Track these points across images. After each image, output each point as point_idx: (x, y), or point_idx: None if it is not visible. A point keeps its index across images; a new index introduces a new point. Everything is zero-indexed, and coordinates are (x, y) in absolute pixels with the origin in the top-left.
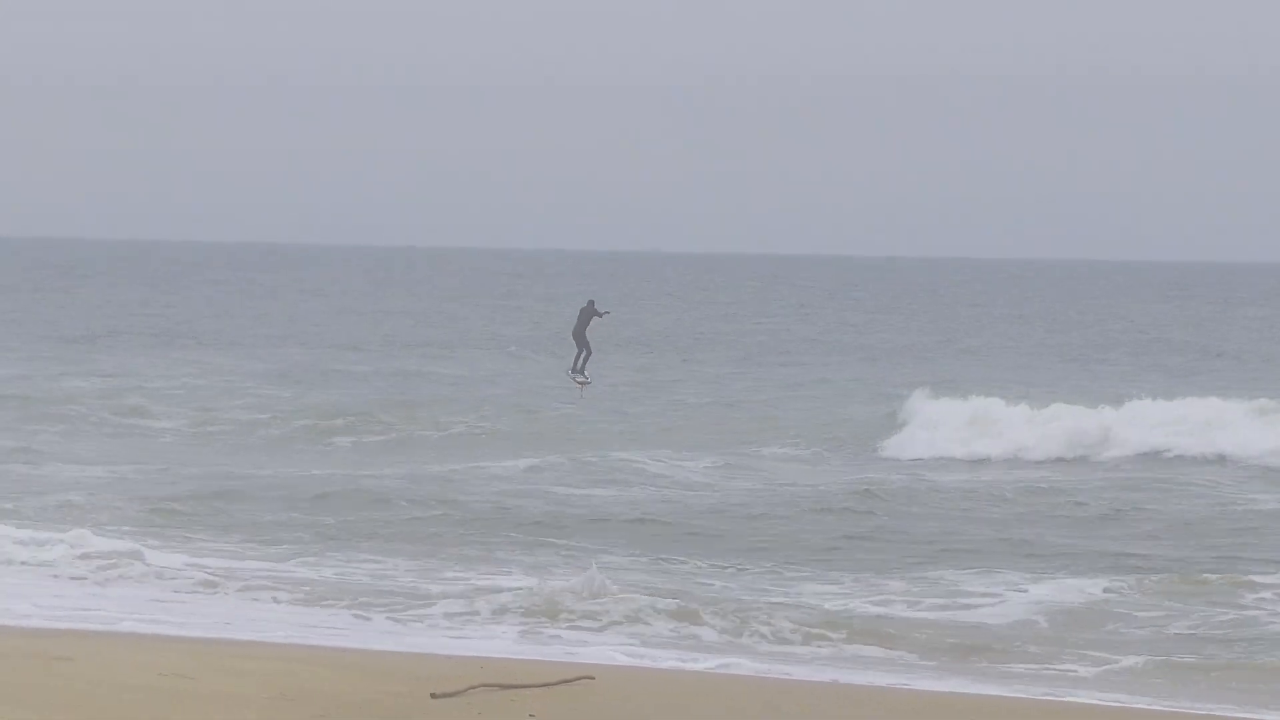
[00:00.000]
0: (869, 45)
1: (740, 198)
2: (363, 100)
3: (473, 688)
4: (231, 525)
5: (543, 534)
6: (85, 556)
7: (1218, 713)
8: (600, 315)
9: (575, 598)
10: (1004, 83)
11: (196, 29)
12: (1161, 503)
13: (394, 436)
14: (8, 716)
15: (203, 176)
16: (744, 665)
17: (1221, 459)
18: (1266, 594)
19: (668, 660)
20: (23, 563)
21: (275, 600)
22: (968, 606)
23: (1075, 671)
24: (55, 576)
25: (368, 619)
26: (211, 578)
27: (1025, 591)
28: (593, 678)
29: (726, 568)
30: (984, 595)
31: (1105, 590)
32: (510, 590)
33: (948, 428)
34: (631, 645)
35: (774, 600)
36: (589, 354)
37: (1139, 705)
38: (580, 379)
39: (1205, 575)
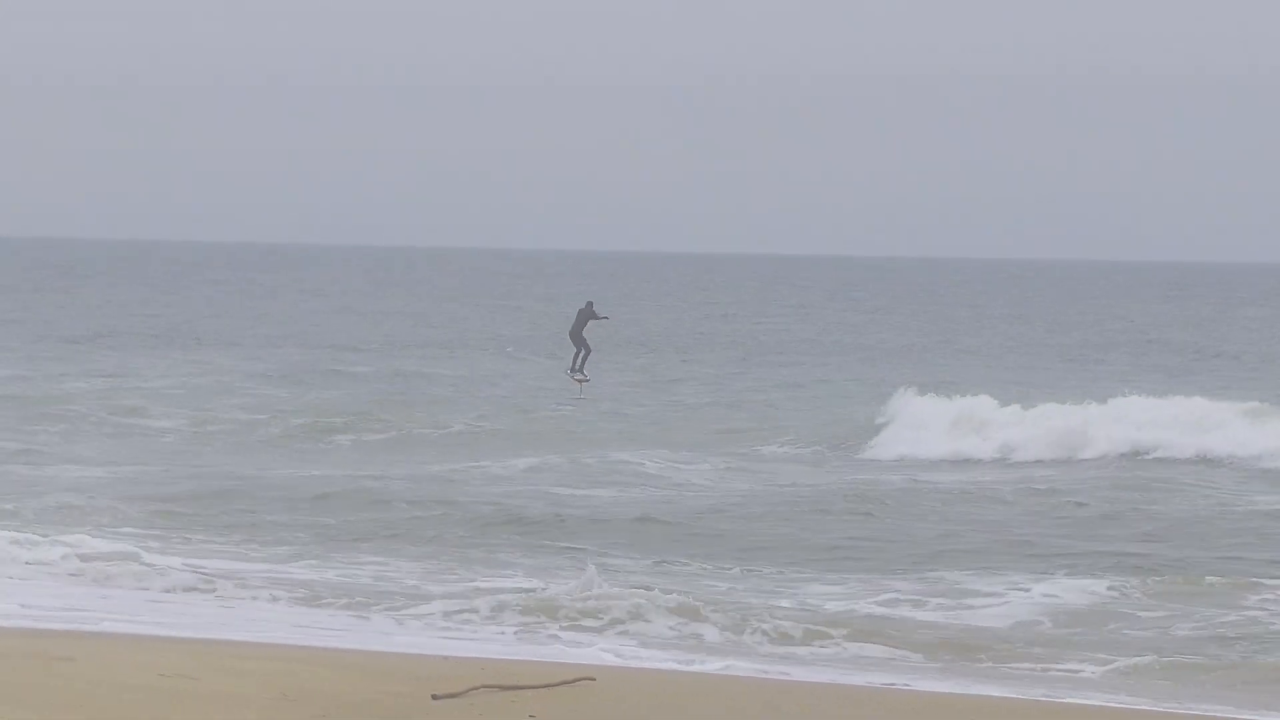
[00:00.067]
0: (869, 45)
1: (740, 198)
2: (363, 100)
3: (473, 689)
4: (231, 525)
5: (543, 534)
6: (85, 557)
7: (1220, 714)
8: (599, 318)
9: (575, 598)
10: (1004, 83)
11: (196, 29)
12: (1161, 503)
13: (394, 436)
14: (8, 716)
15: (203, 176)
16: (745, 666)
17: (1216, 461)
18: (1268, 595)
19: (668, 661)
20: (24, 563)
21: (276, 600)
22: (969, 607)
23: (1077, 672)
24: (55, 577)
25: (368, 619)
26: (212, 578)
27: (1027, 591)
28: (593, 679)
29: (727, 568)
30: (985, 595)
31: (1107, 591)
32: (511, 591)
33: (935, 427)
34: (632, 646)
35: (775, 600)
36: (588, 353)
37: (1141, 706)
38: (579, 377)
39: (1207, 576)
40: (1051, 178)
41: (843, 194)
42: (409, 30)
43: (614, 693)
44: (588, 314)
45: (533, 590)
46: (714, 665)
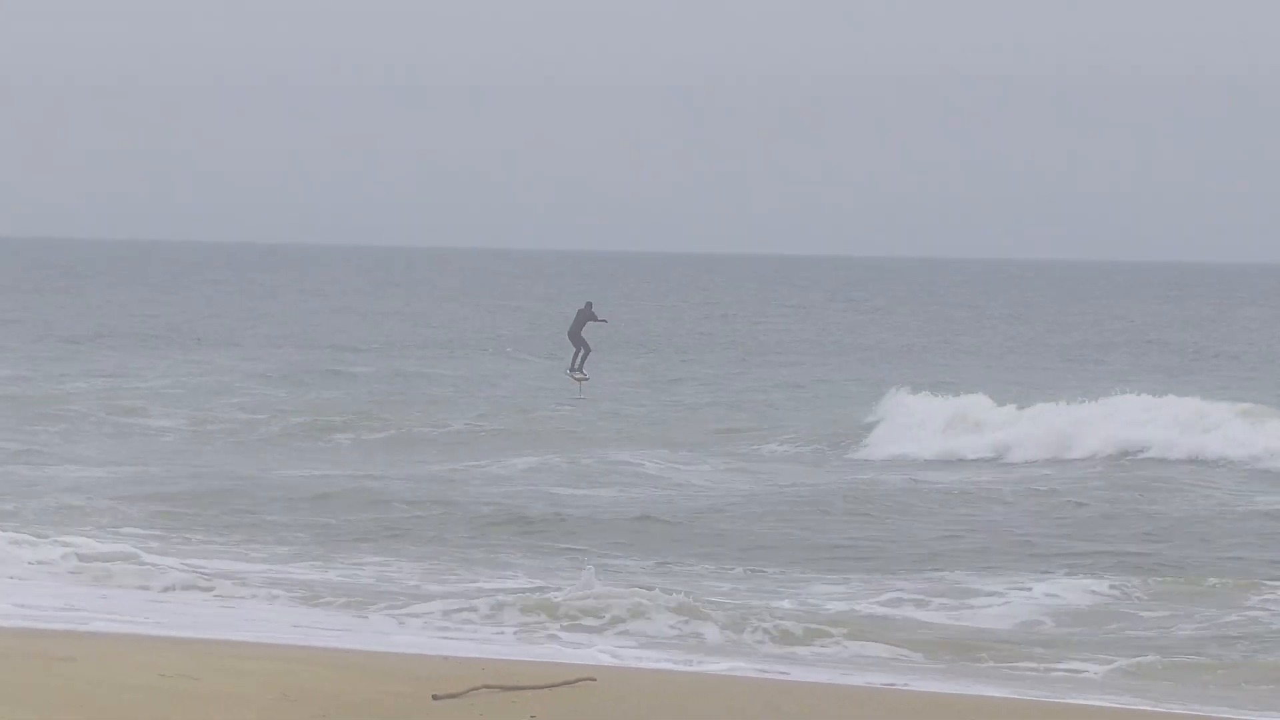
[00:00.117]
0: (869, 45)
1: (740, 198)
2: (363, 100)
3: (474, 689)
4: (231, 525)
5: (543, 534)
6: (85, 557)
7: (1222, 714)
8: (598, 320)
9: (575, 598)
10: (1004, 83)
11: (196, 29)
12: (1161, 503)
13: (394, 436)
14: (8, 716)
15: (203, 176)
16: (745, 666)
17: (1213, 461)
18: (1269, 595)
19: (669, 661)
20: (24, 564)
21: (275, 601)
22: (969, 607)
23: (1079, 673)
24: (55, 577)
25: (368, 619)
26: (212, 578)
27: (1027, 591)
28: (594, 679)
29: (727, 568)
30: (986, 595)
31: (1108, 591)
32: (511, 591)
33: (933, 427)
34: (632, 646)
35: (775, 600)
36: (587, 352)
37: (1143, 707)
38: (579, 376)
39: (1208, 576)
40: (1051, 178)
41: (843, 194)
42: (409, 30)
43: (614, 693)
44: (587, 314)
45: (533, 590)
46: (714, 665)
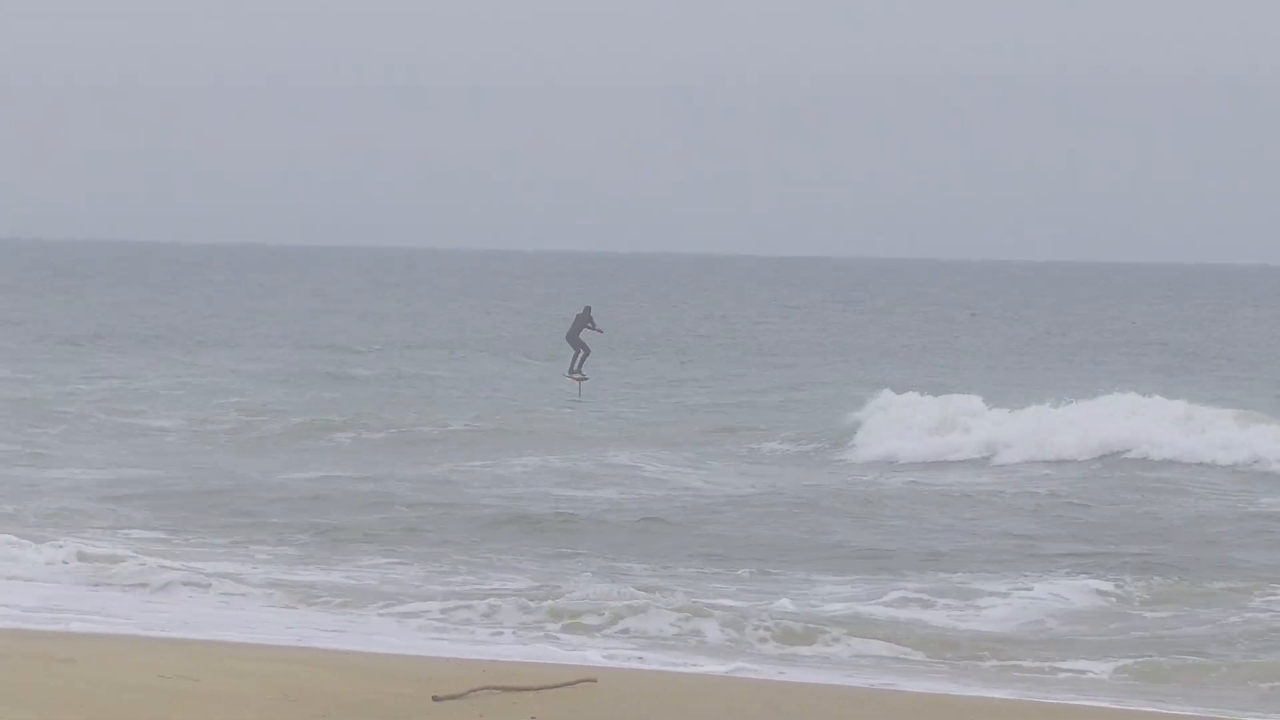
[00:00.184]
0: (869, 45)
1: (740, 198)
2: (363, 100)
3: (474, 690)
4: (231, 525)
5: (543, 535)
6: (85, 558)
7: (1223, 715)
8: (595, 329)
9: (576, 599)
10: (1004, 83)
11: (196, 29)
12: (1162, 504)
13: (394, 437)
14: (7, 717)
15: (203, 177)
16: (746, 666)
17: (1211, 462)
18: (1272, 596)
19: (669, 662)
20: (24, 564)
21: (276, 601)
22: (970, 607)
23: (1082, 673)
24: (55, 578)
25: (368, 620)
26: (212, 578)
27: (1028, 591)
28: (594, 680)
29: (727, 569)
30: (987, 595)
31: (1109, 591)
32: (511, 592)
33: (930, 427)
34: (633, 647)
35: (775, 601)
36: (586, 354)
37: (1146, 708)
38: (578, 376)
39: (1212, 577)
40: (1051, 178)
41: (843, 194)
42: (409, 30)
43: (615, 694)
44: (585, 319)
45: (533, 591)
46: (715, 666)
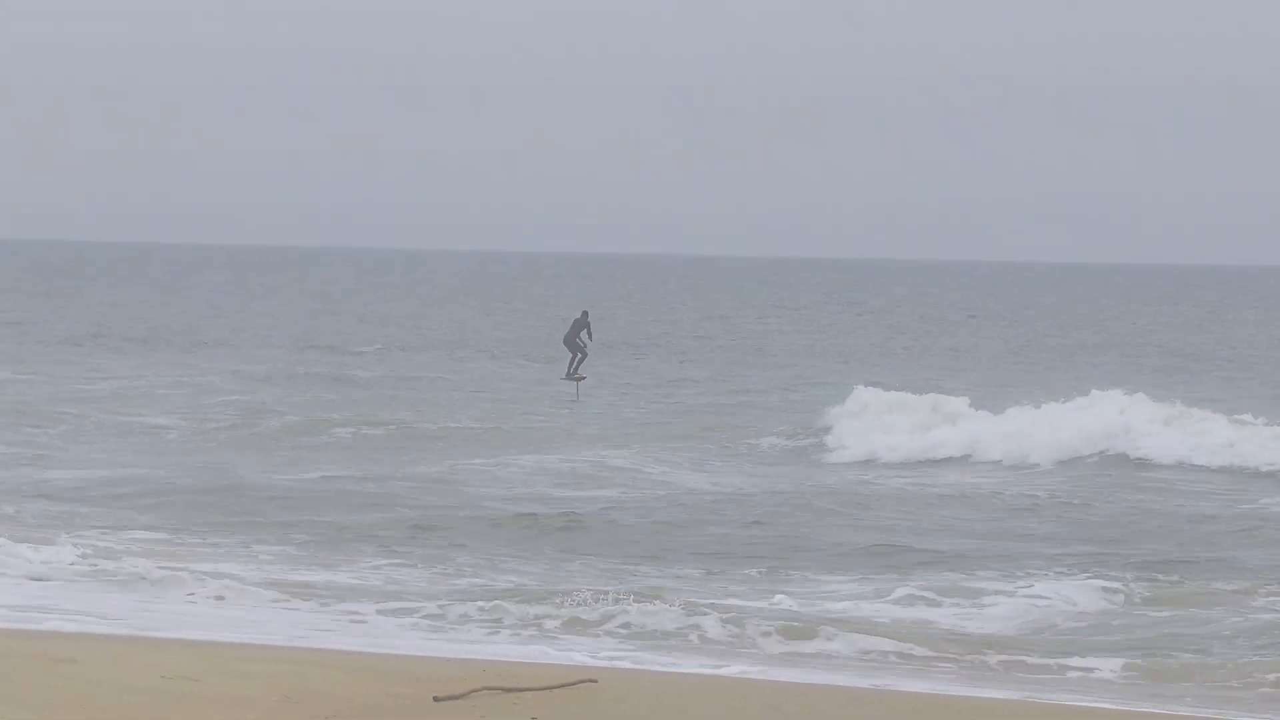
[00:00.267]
0: (869, 45)
1: (740, 198)
2: (363, 100)
3: (475, 690)
4: (232, 525)
5: (543, 535)
6: (85, 558)
7: (1225, 715)
8: (588, 338)
9: (576, 600)
10: (1004, 83)
11: (196, 29)
12: (1162, 504)
13: (394, 437)
14: (8, 717)
15: (203, 177)
16: (746, 666)
17: (1209, 464)
18: (1275, 597)
19: (669, 662)
20: (24, 565)
21: (276, 601)
22: (971, 607)
23: (1088, 671)
24: (55, 578)
25: (369, 620)
26: (214, 579)
27: (1029, 591)
28: (595, 680)
29: (728, 569)
30: (988, 595)
31: (1111, 591)
32: (511, 592)
33: (929, 427)
34: (633, 647)
35: (776, 601)
36: (584, 357)
37: (1150, 709)
38: (576, 377)
39: (1214, 576)
40: (1051, 178)
41: (843, 194)
42: (409, 30)
43: (615, 694)
44: (582, 323)
45: (534, 591)
46: (715, 666)
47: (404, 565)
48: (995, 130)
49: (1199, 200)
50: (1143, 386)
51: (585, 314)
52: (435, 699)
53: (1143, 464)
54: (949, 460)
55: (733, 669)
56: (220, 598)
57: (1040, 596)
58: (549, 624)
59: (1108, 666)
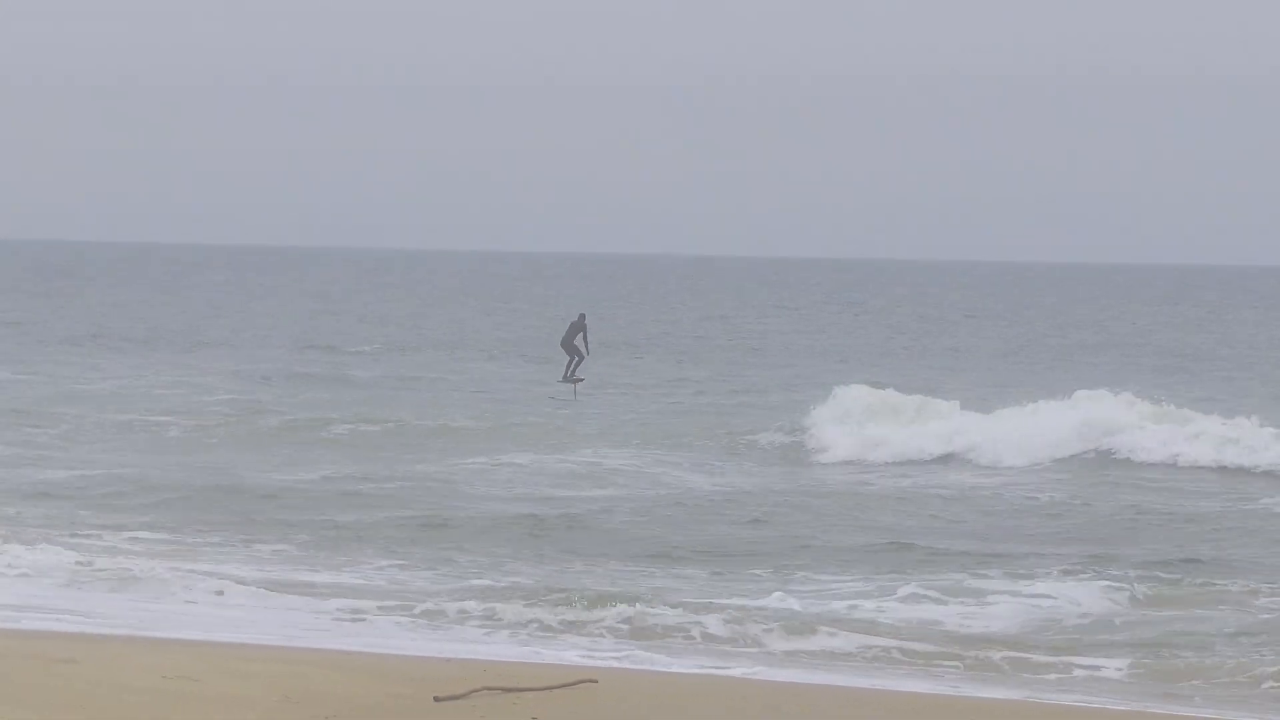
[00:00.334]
0: (869, 45)
1: (740, 198)
2: (363, 100)
3: (475, 690)
4: (232, 526)
5: (542, 535)
6: (86, 559)
7: (1226, 716)
8: (584, 345)
9: (576, 599)
10: (1004, 83)
11: (196, 29)
12: (1163, 505)
13: (393, 438)
14: (7, 717)
15: (203, 177)
16: (746, 666)
17: (1208, 465)
18: (1278, 597)
19: (669, 662)
20: (24, 565)
21: (277, 602)
22: (972, 607)
23: (1094, 670)
24: (55, 578)
25: (369, 621)
26: (213, 579)
27: (1031, 591)
28: (595, 680)
29: (728, 568)
30: (989, 595)
31: (1113, 592)
32: (511, 592)
33: (927, 428)
34: (633, 647)
35: (775, 601)
36: (581, 359)
37: (1155, 709)
38: (575, 379)
39: (1215, 575)
40: (1051, 178)
41: (843, 194)
42: (409, 30)
43: (615, 694)
44: (580, 326)
45: (534, 591)
46: (715, 666)
47: (404, 565)
48: (995, 130)
49: (1199, 200)
50: (1142, 386)
51: (582, 317)
52: (435, 699)
53: (1129, 463)
54: (939, 460)
55: (734, 669)
56: (220, 595)
57: (1044, 596)
58: (549, 624)
59: (1113, 665)
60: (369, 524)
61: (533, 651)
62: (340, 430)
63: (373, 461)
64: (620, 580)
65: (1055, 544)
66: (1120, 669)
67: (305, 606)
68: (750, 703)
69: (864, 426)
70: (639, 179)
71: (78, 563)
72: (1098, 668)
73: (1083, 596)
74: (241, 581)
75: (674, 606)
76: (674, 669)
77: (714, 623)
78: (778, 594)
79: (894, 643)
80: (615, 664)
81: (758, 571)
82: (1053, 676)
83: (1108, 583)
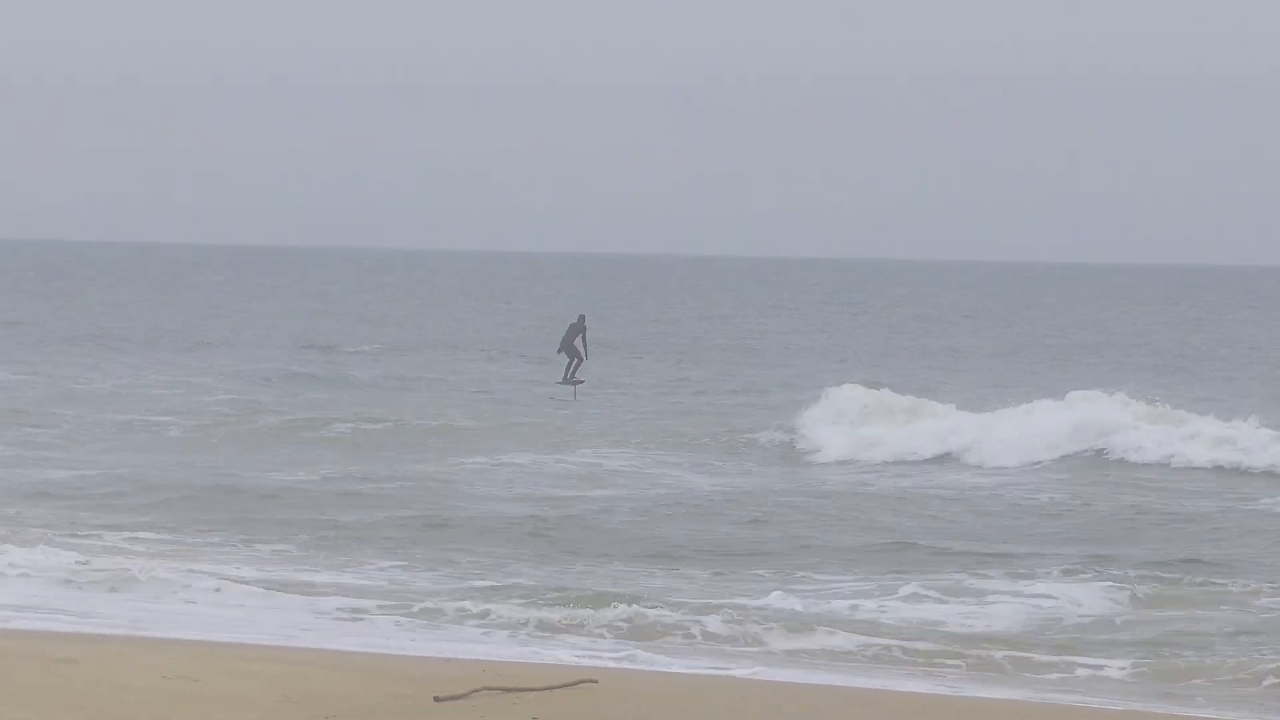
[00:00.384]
0: (869, 45)
1: (740, 198)
2: (363, 100)
3: (475, 690)
4: (231, 526)
5: (542, 535)
6: (85, 559)
7: (1227, 716)
8: (583, 345)
9: (576, 599)
10: (1004, 83)
11: (196, 29)
12: (1163, 505)
13: (392, 438)
14: (8, 717)
15: (203, 177)
16: (746, 666)
17: (1207, 465)
18: (1278, 597)
19: (669, 662)
20: (24, 565)
21: (277, 602)
22: (972, 607)
23: (1090, 672)
24: (55, 578)
25: (369, 621)
26: (213, 579)
27: (1031, 592)
28: (595, 680)
29: (729, 568)
30: (989, 595)
31: (1114, 592)
32: (511, 592)
33: (925, 428)
34: (633, 647)
35: (776, 601)
36: (580, 361)
37: (1157, 709)
38: (574, 380)
39: (1215, 575)
40: (1051, 178)
41: (843, 194)
42: (409, 30)
43: (615, 694)
44: (579, 328)
45: (534, 591)
46: (715, 666)
47: (404, 565)
48: (995, 130)
49: (1199, 200)
50: (1141, 386)
51: (582, 318)
52: (436, 699)
53: (1125, 464)
54: (935, 460)
55: (734, 669)
56: (220, 597)
57: (1045, 595)
58: (549, 624)
59: (1115, 665)
60: (369, 524)
61: (533, 651)
62: (340, 430)
63: (373, 461)
64: (620, 580)
65: (1055, 544)
66: (1122, 668)
67: (305, 606)
68: (750, 703)
69: (858, 427)
70: (639, 179)
71: (77, 563)
72: (1099, 667)
73: (1083, 596)
74: (241, 581)
75: (674, 606)
76: (674, 669)
77: (714, 622)
78: (778, 594)
79: (895, 642)
80: (615, 664)
81: (758, 571)
82: (1054, 676)
83: (1108, 583)
